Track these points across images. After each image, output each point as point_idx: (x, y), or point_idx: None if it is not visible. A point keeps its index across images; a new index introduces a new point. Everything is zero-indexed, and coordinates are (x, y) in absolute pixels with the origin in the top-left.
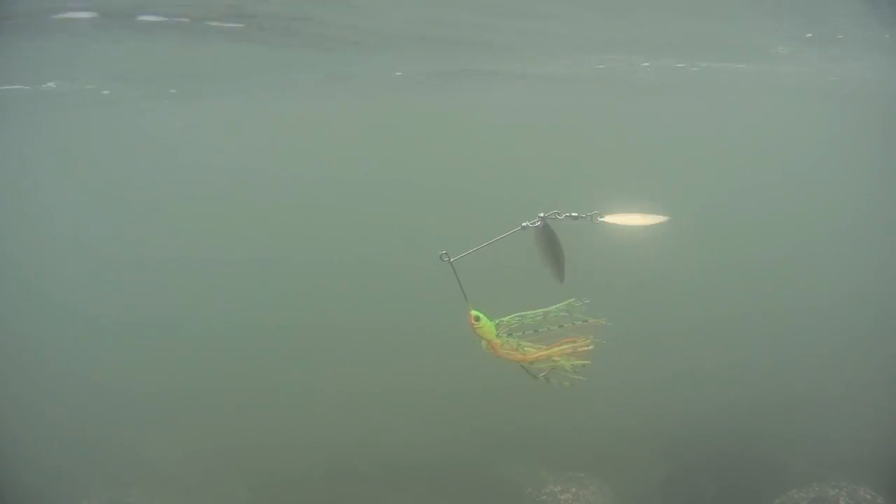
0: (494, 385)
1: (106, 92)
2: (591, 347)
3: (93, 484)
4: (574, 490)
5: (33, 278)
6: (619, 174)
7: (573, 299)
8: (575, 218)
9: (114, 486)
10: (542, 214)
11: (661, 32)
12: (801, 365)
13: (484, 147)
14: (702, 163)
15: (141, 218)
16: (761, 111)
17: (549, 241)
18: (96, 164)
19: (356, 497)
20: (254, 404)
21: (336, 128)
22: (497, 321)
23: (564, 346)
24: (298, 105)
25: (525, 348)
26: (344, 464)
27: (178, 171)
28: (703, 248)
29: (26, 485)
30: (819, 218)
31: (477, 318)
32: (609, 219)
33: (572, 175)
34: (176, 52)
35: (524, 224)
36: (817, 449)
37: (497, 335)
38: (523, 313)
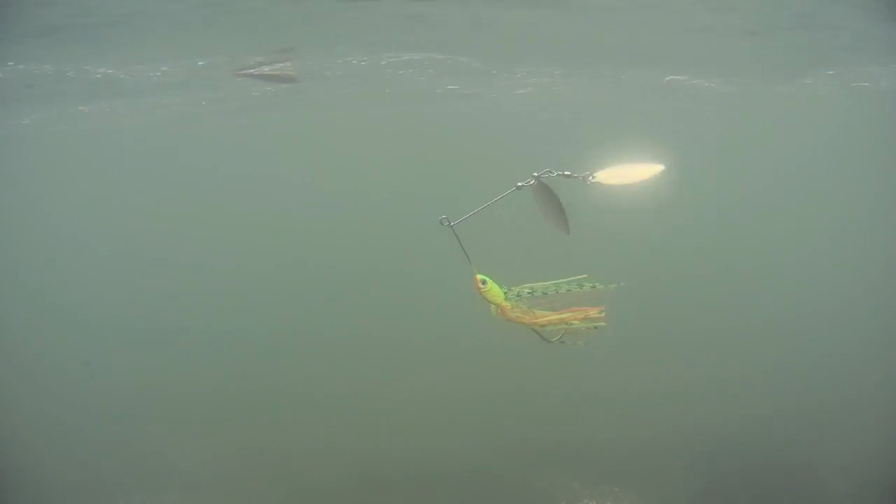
0: (528, 394)
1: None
2: (603, 315)
3: (127, 488)
4: None
5: (64, 283)
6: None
7: (586, 276)
8: (567, 176)
9: (148, 490)
10: (535, 174)
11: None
12: (840, 373)
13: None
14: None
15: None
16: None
17: (546, 196)
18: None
19: None
20: (287, 411)
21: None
22: (506, 289)
23: (577, 312)
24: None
25: (536, 311)
26: (377, 472)
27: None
28: (731, 252)
29: (63, 487)
30: (845, 223)
31: (483, 282)
32: (602, 177)
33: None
34: None
35: (518, 184)
36: (853, 475)
37: (506, 299)
38: (533, 285)
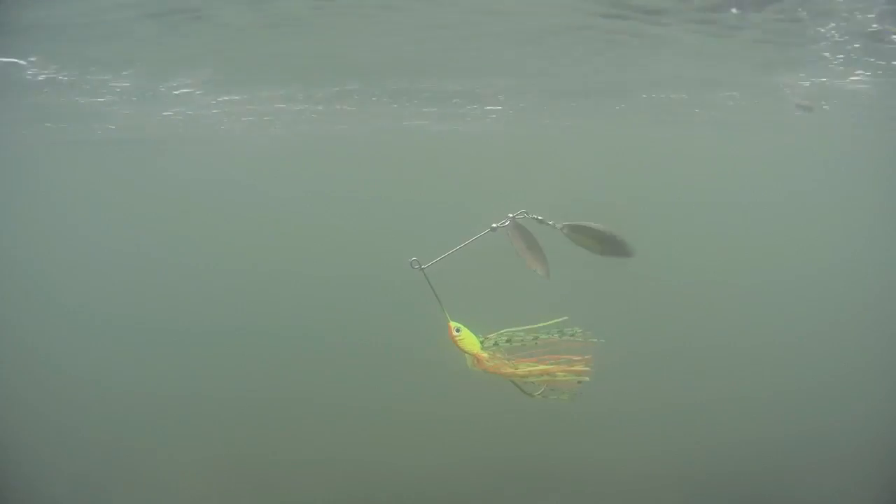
0: (521, 416)
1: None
2: (588, 368)
3: (118, 498)
4: None
5: (58, 288)
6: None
7: (566, 318)
8: (540, 221)
9: (138, 501)
10: (511, 215)
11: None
12: (827, 428)
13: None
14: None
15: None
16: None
17: (523, 238)
18: None
19: None
20: (278, 424)
21: None
22: (481, 338)
23: (560, 363)
24: None
25: (515, 362)
26: (366, 493)
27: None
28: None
29: (53, 498)
30: (853, 246)
31: (457, 330)
32: (569, 230)
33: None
34: None
35: (493, 225)
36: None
37: (483, 348)
38: (511, 330)
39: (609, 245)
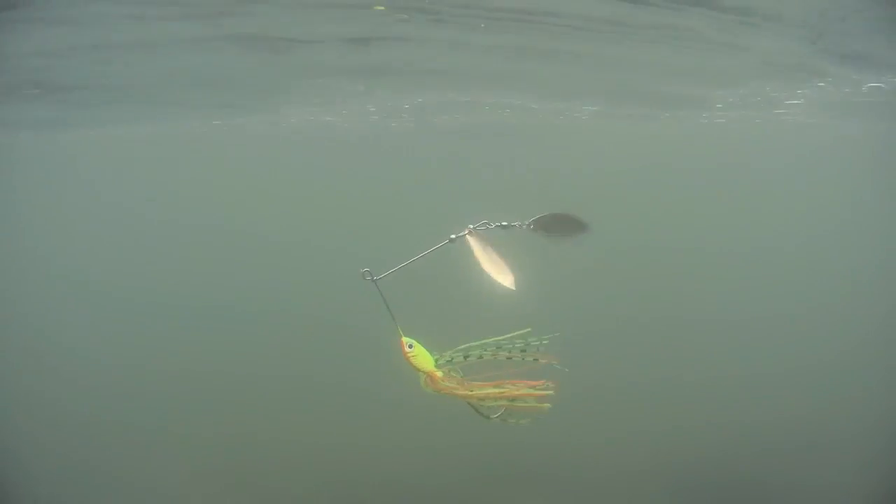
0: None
1: None
2: (550, 391)
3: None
4: None
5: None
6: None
7: (529, 329)
8: (506, 227)
9: (122, 501)
10: (471, 226)
11: None
12: (818, 411)
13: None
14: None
15: None
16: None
17: (484, 249)
18: None
19: None
20: (265, 427)
21: None
22: (437, 357)
23: (519, 387)
24: None
25: (471, 383)
26: (355, 495)
27: None
28: (710, 261)
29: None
30: (848, 253)
31: (410, 346)
32: (539, 225)
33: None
34: None
35: (452, 236)
36: (819, 494)
37: (437, 365)
38: (469, 345)
39: (572, 227)
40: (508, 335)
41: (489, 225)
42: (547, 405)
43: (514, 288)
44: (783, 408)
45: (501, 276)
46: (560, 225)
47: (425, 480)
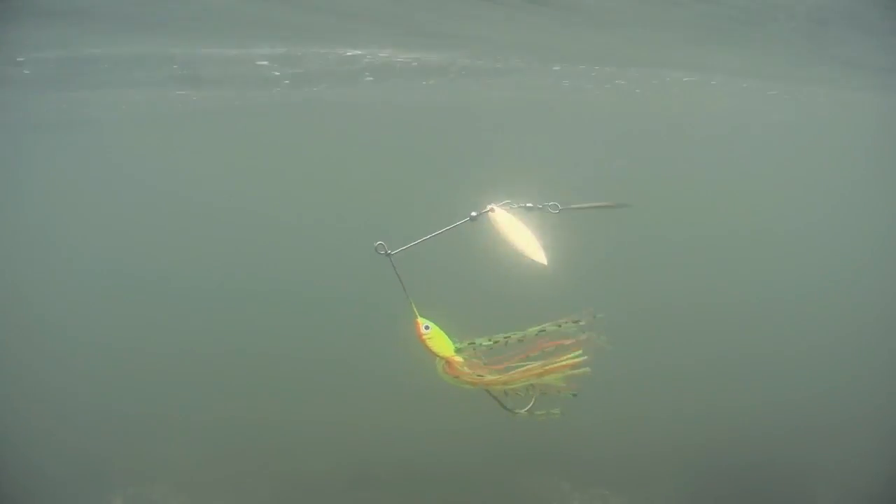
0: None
1: None
2: (584, 359)
3: (118, 478)
4: None
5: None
6: None
7: (566, 319)
8: (530, 208)
9: (139, 482)
10: (492, 204)
11: None
12: (828, 395)
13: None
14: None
15: None
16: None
17: (509, 226)
18: None
19: (378, 502)
20: (276, 405)
21: None
22: (457, 345)
23: (550, 363)
24: None
25: (495, 368)
26: (367, 470)
27: None
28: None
29: (52, 478)
30: (847, 241)
31: (426, 328)
32: (564, 207)
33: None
34: None
35: (473, 214)
36: (842, 477)
37: (456, 351)
38: (494, 337)
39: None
40: (538, 325)
41: (512, 206)
42: (586, 369)
43: (547, 264)
44: (801, 389)
45: (534, 252)
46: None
47: (442, 460)
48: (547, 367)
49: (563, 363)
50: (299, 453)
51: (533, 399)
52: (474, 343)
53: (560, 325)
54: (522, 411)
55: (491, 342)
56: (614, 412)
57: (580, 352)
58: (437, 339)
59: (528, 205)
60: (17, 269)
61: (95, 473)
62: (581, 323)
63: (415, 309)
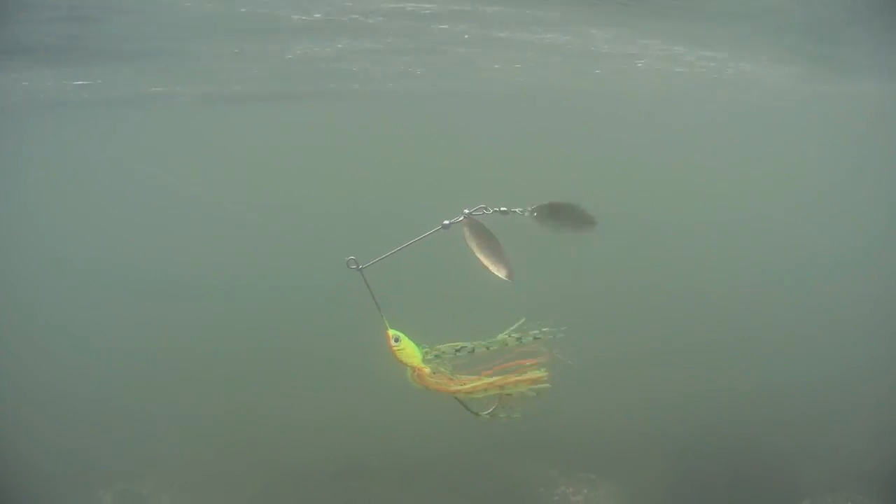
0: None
1: None
2: (543, 371)
3: (106, 474)
4: (586, 492)
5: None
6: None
7: (523, 320)
8: (505, 213)
9: (127, 477)
10: (466, 210)
11: None
12: (815, 379)
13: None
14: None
15: None
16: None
17: (480, 237)
18: None
19: (368, 494)
20: (264, 397)
21: None
22: (424, 350)
23: (511, 374)
24: None
25: (461, 377)
26: (356, 460)
27: None
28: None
29: (40, 473)
30: (835, 229)
31: (396, 340)
32: (541, 212)
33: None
34: None
35: (445, 222)
36: (830, 462)
37: (424, 360)
38: (460, 344)
39: (576, 218)
40: (505, 332)
41: (486, 210)
42: (546, 386)
43: (510, 281)
44: (799, 373)
45: (496, 267)
46: (566, 216)
47: (430, 449)
48: (509, 381)
49: (525, 378)
50: (286, 445)
51: (495, 404)
52: (439, 351)
53: (520, 339)
54: (485, 414)
55: (453, 350)
56: (601, 399)
57: (542, 369)
58: (407, 350)
59: (502, 209)
60: None
61: (83, 470)
62: (540, 337)
63: (385, 322)
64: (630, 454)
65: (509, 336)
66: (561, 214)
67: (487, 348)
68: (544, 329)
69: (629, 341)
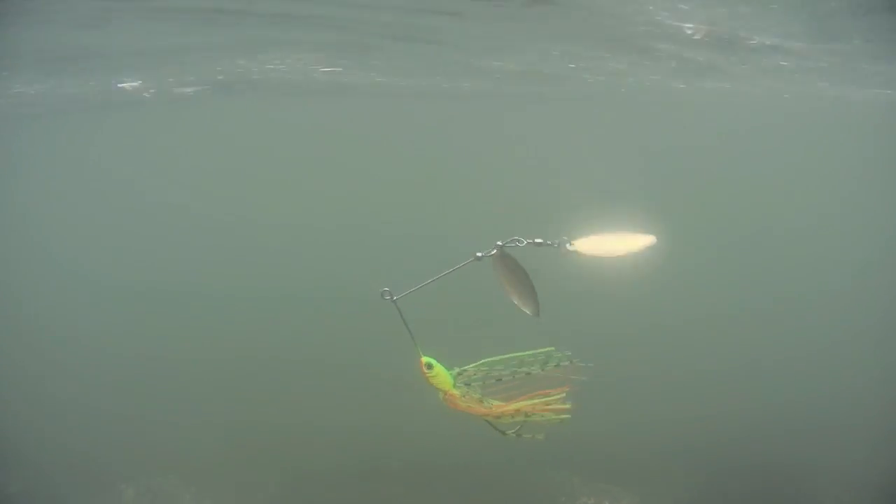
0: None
1: None
2: (566, 402)
3: (129, 471)
4: (607, 503)
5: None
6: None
7: (552, 348)
8: (539, 245)
9: (150, 473)
10: (499, 242)
11: None
12: (841, 393)
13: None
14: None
15: None
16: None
17: (511, 271)
18: None
19: (388, 495)
20: (287, 396)
21: None
22: (456, 371)
23: (536, 400)
24: None
25: (489, 400)
26: (377, 461)
27: None
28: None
29: (65, 469)
30: (856, 238)
31: (429, 366)
32: (581, 245)
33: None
34: None
35: (478, 254)
36: (852, 477)
37: (455, 385)
38: (490, 359)
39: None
40: (530, 351)
41: (520, 242)
42: (567, 416)
43: (536, 316)
44: (813, 389)
45: (523, 302)
46: (606, 247)
47: (453, 455)
48: (535, 408)
49: (549, 407)
50: (310, 448)
51: (520, 424)
52: (468, 378)
53: (543, 369)
54: (511, 433)
55: (482, 378)
56: (626, 412)
57: (565, 399)
58: (439, 377)
59: (537, 241)
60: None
61: (104, 464)
62: (563, 363)
63: (418, 349)
64: (653, 467)
65: (534, 359)
66: (604, 247)
67: (514, 374)
68: (568, 354)
69: (656, 359)
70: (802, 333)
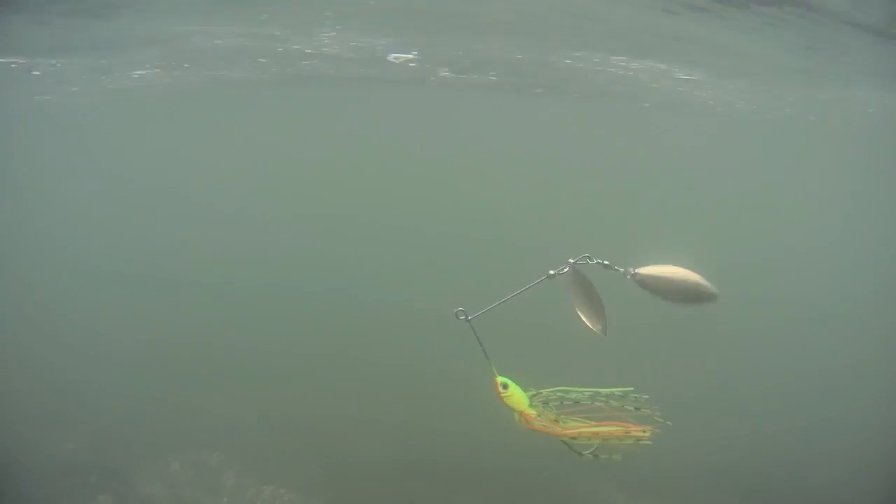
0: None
1: None
2: (648, 440)
3: (176, 444)
4: None
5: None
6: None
7: (631, 388)
8: (606, 267)
9: (195, 447)
10: (571, 260)
11: None
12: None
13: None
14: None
15: None
16: None
17: (582, 289)
18: None
19: (430, 493)
20: (337, 381)
21: None
22: (532, 392)
23: (615, 428)
24: None
25: (566, 420)
26: (422, 456)
27: None
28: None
29: (115, 439)
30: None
31: (505, 387)
32: (646, 272)
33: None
34: None
35: (551, 272)
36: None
37: (531, 405)
38: (567, 388)
39: (688, 294)
40: (609, 388)
41: (590, 261)
42: (648, 442)
43: (603, 335)
44: (856, 409)
45: (592, 321)
46: (674, 288)
47: (502, 459)
48: (613, 434)
49: (626, 433)
50: (355, 441)
51: (596, 445)
52: (545, 398)
53: (622, 406)
54: (587, 454)
55: (559, 398)
56: (674, 432)
57: (646, 432)
58: (514, 397)
59: (605, 262)
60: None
61: (153, 436)
62: (643, 400)
63: (494, 369)
64: (697, 486)
65: (612, 395)
66: (665, 286)
67: (592, 402)
68: (645, 397)
69: (704, 382)
70: (843, 358)
